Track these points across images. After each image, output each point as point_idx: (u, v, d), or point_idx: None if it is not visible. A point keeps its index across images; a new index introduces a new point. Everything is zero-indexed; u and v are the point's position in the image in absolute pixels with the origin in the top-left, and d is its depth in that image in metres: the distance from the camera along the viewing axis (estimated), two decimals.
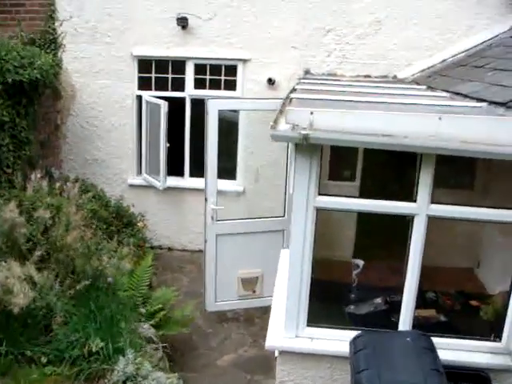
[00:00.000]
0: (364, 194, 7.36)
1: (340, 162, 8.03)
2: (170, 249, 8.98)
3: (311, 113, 4.12)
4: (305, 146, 4.20)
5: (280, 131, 4.14)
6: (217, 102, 6.54)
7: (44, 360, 4.78)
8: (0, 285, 4.62)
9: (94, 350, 4.70)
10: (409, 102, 4.96)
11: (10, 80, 7.00)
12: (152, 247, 8.58)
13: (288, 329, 4.65)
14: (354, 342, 4.25)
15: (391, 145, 4.08)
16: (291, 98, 5.26)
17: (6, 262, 5.13)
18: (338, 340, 4.57)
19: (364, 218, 6.38)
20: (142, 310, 5.42)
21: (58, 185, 5.95)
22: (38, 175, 5.95)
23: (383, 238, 6.08)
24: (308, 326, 4.67)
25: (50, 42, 8.58)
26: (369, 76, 8.05)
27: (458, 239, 6.36)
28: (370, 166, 7.80)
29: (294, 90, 6.31)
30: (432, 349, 4.10)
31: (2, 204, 5.61)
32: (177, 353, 6.30)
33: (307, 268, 4.51)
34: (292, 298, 4.58)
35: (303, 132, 4.04)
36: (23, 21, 8.45)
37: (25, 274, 4.85)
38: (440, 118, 4.00)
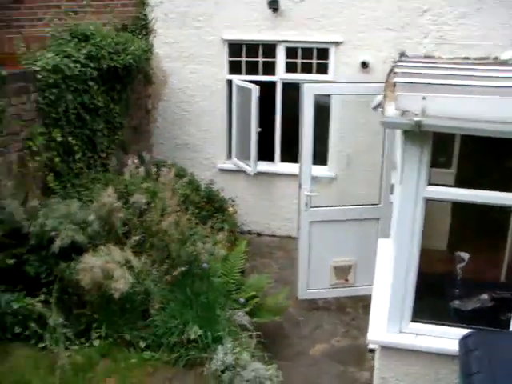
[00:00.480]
0: (460, 182, 7.01)
1: (434, 147, 7.71)
2: (258, 234, 8.92)
3: (423, 98, 3.90)
4: (416, 134, 3.98)
5: (391, 118, 3.93)
6: (312, 87, 6.36)
7: (142, 345, 4.84)
8: (101, 269, 4.67)
9: (192, 337, 4.67)
10: None
11: (104, 66, 7.10)
12: (242, 232, 8.58)
13: (391, 324, 4.46)
14: (464, 341, 4.01)
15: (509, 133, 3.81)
16: (395, 82, 5.02)
17: (104, 246, 5.20)
18: (443, 337, 4.35)
19: (465, 206, 6.11)
20: (241, 300, 5.33)
21: (154, 170, 5.95)
22: (135, 160, 5.96)
23: (487, 229, 5.76)
24: (412, 321, 4.47)
25: (142, 28, 8.63)
26: (467, 58, 7.62)
27: None
28: (469, 153, 7.43)
29: (393, 73, 6.03)
30: None
31: (99, 189, 5.66)
32: (269, 341, 6.24)
33: (415, 262, 4.29)
34: (397, 293, 4.38)
35: (416, 119, 3.82)
36: (115, 7, 8.53)
37: (124, 259, 4.87)
38: None
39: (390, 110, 4.04)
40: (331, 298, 7.10)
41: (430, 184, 4.19)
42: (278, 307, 6.25)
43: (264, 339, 6.03)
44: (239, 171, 8.62)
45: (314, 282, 6.92)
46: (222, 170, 8.80)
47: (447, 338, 4.28)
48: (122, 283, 4.61)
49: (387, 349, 4.53)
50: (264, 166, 8.53)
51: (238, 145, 8.61)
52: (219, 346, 4.51)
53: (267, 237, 8.88)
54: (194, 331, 4.69)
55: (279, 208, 8.58)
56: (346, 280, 6.96)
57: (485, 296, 5.00)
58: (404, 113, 3.95)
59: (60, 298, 5.19)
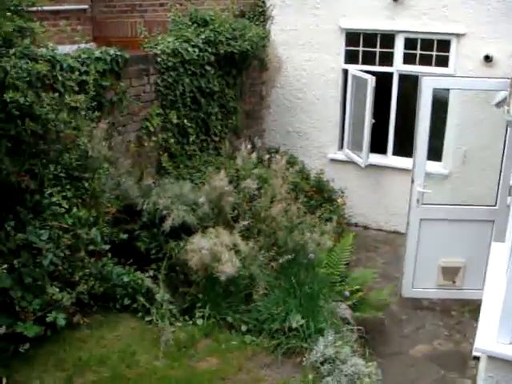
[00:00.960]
0: None
1: None
2: (365, 227, 8.79)
3: None
4: None
5: None
6: (431, 80, 6.14)
7: (244, 328, 4.90)
8: (209, 251, 4.76)
9: (293, 326, 4.68)
10: None
11: (221, 51, 7.22)
12: (348, 224, 8.49)
13: (502, 333, 4.24)
14: None
15: None
16: None
17: (213, 228, 5.30)
18: None
19: None
20: (347, 293, 5.28)
21: (266, 156, 6.00)
22: (249, 146, 6.03)
23: None
24: None
25: (259, 15, 8.67)
26: None
27: None
28: None
29: None
30: None
31: (211, 172, 5.78)
32: (368, 336, 6.15)
33: None
34: (510, 302, 4.16)
35: None
36: None
37: (232, 243, 4.95)
38: None
39: None
40: (436, 299, 6.87)
41: None
42: (381, 303, 6.16)
43: (365, 335, 5.99)
44: (350, 162, 8.50)
45: (420, 280, 6.73)
46: (333, 160, 8.72)
47: None
48: (229, 266, 4.68)
49: (495, 359, 4.32)
50: (376, 159, 8.37)
51: (350, 135, 8.49)
52: (320, 338, 4.49)
53: (374, 230, 8.72)
54: (296, 320, 4.69)
55: (388, 202, 8.39)
56: (454, 282, 6.71)
57: None
58: None
59: (167, 276, 5.37)
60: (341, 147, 8.72)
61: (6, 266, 4.19)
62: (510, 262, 4.15)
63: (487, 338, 4.35)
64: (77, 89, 5.20)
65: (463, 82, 6.45)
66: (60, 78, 5.03)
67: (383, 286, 6.72)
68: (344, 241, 6.33)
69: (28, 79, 4.51)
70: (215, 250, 4.82)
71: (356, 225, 8.75)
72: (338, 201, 7.78)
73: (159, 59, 6.49)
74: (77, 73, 5.19)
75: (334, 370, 4.26)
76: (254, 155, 5.87)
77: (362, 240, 8.32)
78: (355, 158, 8.31)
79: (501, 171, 6.35)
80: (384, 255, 7.99)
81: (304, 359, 4.47)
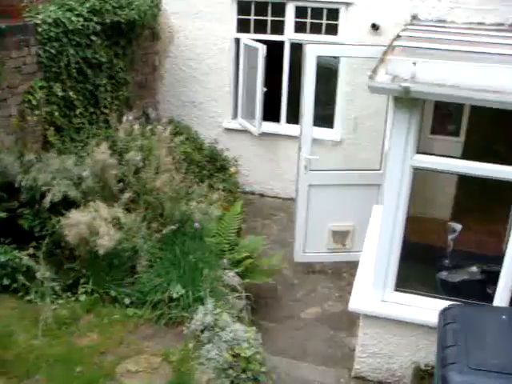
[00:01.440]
0: (468, 151, 6.87)
1: (444, 115, 7.55)
2: (261, 195, 8.89)
3: (414, 63, 3.79)
4: (405, 100, 3.88)
5: (378, 82, 3.84)
6: (315, 48, 6.22)
7: (127, 301, 4.87)
8: (87, 225, 4.68)
9: (174, 296, 4.70)
10: None
11: (108, 21, 7.01)
12: (244, 193, 8.55)
13: (374, 292, 4.44)
14: (443, 313, 3.98)
15: (501, 103, 3.68)
16: (394, 46, 4.89)
17: (94, 202, 5.20)
18: (426, 308, 4.33)
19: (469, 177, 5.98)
20: (225, 262, 5.32)
21: (149, 127, 5.91)
22: (130, 117, 5.92)
23: (487, 200, 5.66)
24: (396, 290, 4.45)
25: None
26: (482, 23, 7.38)
27: None
28: (478, 122, 7.26)
29: (398, 37, 5.88)
30: None
31: (93, 145, 5.65)
32: (261, 302, 6.27)
33: (399, 230, 4.25)
34: (381, 261, 4.35)
35: (404, 84, 3.72)
36: None
37: (112, 216, 4.88)
38: None
39: (380, 75, 3.95)
40: (329, 263, 7.08)
41: (419, 152, 4.11)
42: (272, 269, 6.25)
43: (256, 300, 6.09)
44: (245, 131, 8.54)
45: (311, 245, 6.90)
46: (228, 130, 8.72)
47: (430, 309, 4.26)
48: (106, 240, 4.62)
49: (369, 317, 4.53)
50: (269, 127, 8.44)
51: (244, 104, 8.51)
52: (200, 307, 4.52)
53: (270, 198, 8.84)
54: (177, 290, 4.71)
55: (283, 169, 8.51)
56: (344, 245, 6.93)
57: (474, 268, 4.95)
58: (394, 78, 3.85)
59: (52, 253, 5.24)
60: (235, 116, 8.73)
61: None
62: (380, 223, 4.31)
63: (361, 297, 4.54)
64: None
65: (345, 50, 6.59)
66: None
67: (277, 252, 6.85)
68: (233, 209, 6.37)
69: None
70: (94, 223, 4.73)
71: (253, 193, 8.84)
72: (231, 170, 7.80)
73: (40, 29, 6.22)
74: None
75: (214, 337, 4.31)
76: (136, 126, 5.76)
77: (258, 208, 8.44)
78: (249, 126, 8.35)
79: (384, 137, 6.56)
80: (280, 222, 8.12)
81: (185, 328, 4.50)
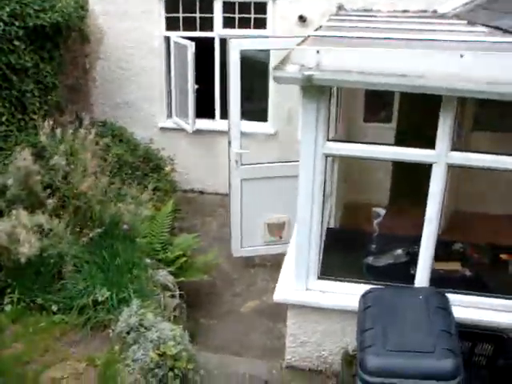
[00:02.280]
0: (400, 136, 6.98)
1: (375, 102, 7.65)
2: (201, 192, 8.86)
3: (317, 51, 3.81)
4: (311, 89, 3.91)
5: (282, 72, 3.85)
6: (239, 42, 6.24)
7: (54, 308, 4.82)
8: (6, 234, 4.61)
9: (99, 299, 4.66)
10: (433, 38, 4.53)
11: (30, 24, 6.86)
12: (184, 191, 8.53)
13: (298, 281, 4.47)
14: (363, 298, 4.04)
15: (405, 86, 3.76)
16: (308, 36, 4.91)
17: (25, 209, 5.12)
18: (350, 294, 4.35)
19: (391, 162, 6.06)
20: (147, 260, 5.29)
21: (71, 131, 5.83)
22: (51, 122, 5.83)
23: (411, 185, 5.74)
24: (319, 278, 4.49)
25: None
26: (407, 11, 7.49)
27: (497, 183, 5.98)
28: (407, 107, 7.38)
29: (320, 27, 5.92)
30: (446, 308, 3.85)
31: (17, 153, 5.55)
32: (200, 299, 6.27)
33: (317, 218, 4.28)
34: (301, 249, 4.38)
35: (306, 73, 3.74)
36: None
37: (34, 223, 4.81)
38: (462, 56, 3.62)
39: (288, 65, 3.96)
40: (268, 255, 7.10)
41: (329, 140, 4.15)
42: (208, 265, 6.26)
43: (196, 298, 6.10)
44: (180, 130, 8.49)
45: (248, 239, 6.91)
46: (163, 129, 8.67)
47: (354, 294, 4.29)
48: (26, 247, 4.56)
49: (295, 307, 4.56)
50: (205, 124, 8.42)
51: (177, 103, 8.46)
52: (125, 308, 4.50)
53: (210, 195, 8.80)
54: (102, 293, 4.67)
55: (220, 165, 8.36)
56: (281, 237, 6.96)
57: (399, 251, 5.02)
58: (301, 67, 3.87)
59: None
60: (170, 115, 8.68)
61: None
62: (298, 211, 4.33)
63: (286, 287, 4.57)
64: None
65: (269, 43, 6.60)
66: None
67: (214, 248, 6.84)
68: (164, 208, 6.34)
69: None
70: (15, 232, 4.65)
71: (192, 190, 8.81)
72: (166, 169, 7.75)
73: None
74: None
75: (140, 337, 4.29)
76: (58, 130, 5.68)
77: (198, 205, 8.43)
78: (183, 124, 8.31)
79: None
80: (220, 218, 8.10)
81: (111, 331, 4.47)
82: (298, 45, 4.61)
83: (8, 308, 4.80)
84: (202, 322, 5.93)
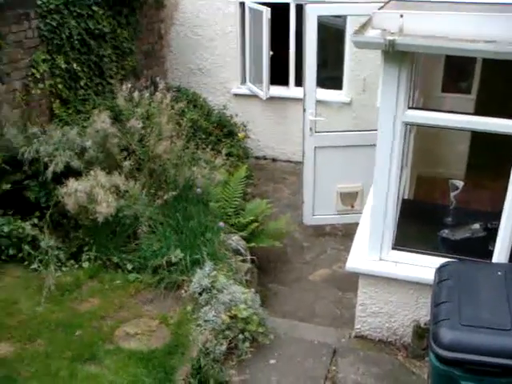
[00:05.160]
0: (479, 109, 6.71)
1: (455, 71, 7.37)
2: (273, 159, 8.86)
3: (401, 16, 3.69)
4: (393, 54, 3.78)
5: (363, 37, 3.75)
6: (316, 7, 6.11)
7: (129, 267, 4.95)
8: (85, 193, 4.74)
9: (173, 260, 4.75)
10: None
11: None
12: (256, 158, 8.55)
13: (371, 251, 4.41)
14: (439, 270, 3.94)
15: (493, 53, 3.57)
16: (389, 1, 4.76)
17: (101, 171, 5.25)
18: (426, 267, 4.27)
19: (474, 133, 5.83)
20: (221, 224, 5.32)
21: (147, 95, 5.90)
22: (129, 84, 5.91)
23: (493, 157, 5.54)
24: (394, 249, 4.41)
25: None
26: None
27: None
28: (490, 77, 7.07)
29: None
30: None
31: (95, 115, 5.67)
32: (270, 265, 6.30)
33: (394, 187, 4.19)
34: (376, 219, 4.31)
35: (388, 38, 3.63)
36: None
37: (111, 184, 4.92)
38: None
39: (369, 30, 3.86)
40: (339, 225, 7.05)
41: (410, 108, 4.03)
42: (279, 232, 6.26)
43: (266, 264, 6.13)
44: (254, 96, 8.47)
45: (320, 207, 6.86)
46: (237, 95, 8.67)
47: (428, 267, 4.21)
48: (104, 207, 4.68)
49: (367, 276, 4.51)
50: (278, 91, 8.38)
51: (251, 69, 8.44)
52: (198, 270, 4.57)
53: (282, 162, 8.81)
54: (175, 254, 4.75)
55: (293, 133, 8.42)
56: (353, 206, 6.88)
57: (477, 226, 4.86)
58: (382, 32, 3.76)
59: (59, 222, 5.34)
60: (243, 81, 8.67)
61: None
62: (374, 180, 4.26)
63: (359, 257, 4.52)
64: None
65: (347, 8, 6.40)
66: None
67: (285, 215, 6.83)
68: (237, 174, 6.36)
69: None
70: (93, 191, 4.79)
71: (264, 158, 8.83)
72: (239, 135, 7.76)
73: (40, 2, 6.22)
74: None
75: (212, 299, 4.36)
76: (135, 94, 5.76)
77: (270, 172, 8.44)
78: (257, 91, 8.29)
79: None
80: (291, 186, 8.09)
81: (183, 291, 4.56)
82: (380, 9, 4.49)
83: (85, 265, 4.97)
84: (270, 287, 5.96)
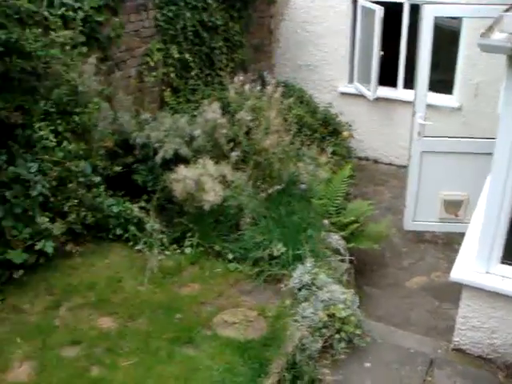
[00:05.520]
0: None
1: None
2: (375, 161, 8.75)
3: None
4: None
5: (491, 41, 3.62)
6: (433, 8, 5.93)
7: (230, 256, 5.00)
8: (194, 181, 4.85)
9: (275, 254, 4.78)
10: None
11: None
12: (358, 158, 8.47)
13: (478, 263, 4.25)
14: None
15: None
16: None
17: (200, 159, 5.36)
18: None
19: None
20: (325, 222, 5.31)
21: (258, 88, 5.96)
22: (241, 77, 6.00)
23: None
24: (502, 263, 4.22)
25: None
26: None
27: None
28: None
29: None
30: None
31: (205, 105, 5.79)
32: (366, 267, 6.22)
33: (509, 199, 4.01)
34: (487, 231, 4.14)
35: None
36: None
37: (219, 173, 5.02)
38: None
39: (496, 33, 3.72)
40: (440, 233, 6.86)
41: None
42: (378, 235, 6.16)
43: (362, 266, 6.05)
44: (360, 95, 8.38)
45: (422, 213, 6.68)
46: (343, 94, 8.62)
47: None
48: (211, 195, 4.77)
49: (471, 289, 4.35)
50: (386, 92, 8.24)
51: (360, 68, 8.35)
52: (299, 265, 4.58)
53: (384, 165, 8.67)
54: (278, 248, 4.78)
55: (398, 136, 8.25)
56: (457, 215, 6.66)
57: None
58: (510, 36, 3.61)
59: (163, 207, 5.51)
60: (351, 80, 8.59)
61: None
62: (488, 192, 4.11)
63: (464, 268, 4.37)
64: (66, 25, 5.22)
65: (466, 9, 6.18)
66: (48, 13, 5.06)
67: (385, 219, 6.73)
68: (341, 172, 6.31)
69: (17, 16, 4.60)
70: (201, 179, 4.90)
71: (366, 159, 8.73)
72: (344, 134, 7.70)
73: None
74: (63, 9, 5.19)
75: (311, 295, 4.35)
76: (247, 87, 5.83)
77: (371, 174, 8.33)
78: (364, 91, 8.19)
79: None
80: (392, 189, 7.95)
81: (283, 285, 4.58)
82: (507, 11, 4.31)
83: (188, 250, 5.07)
84: (365, 289, 5.86)
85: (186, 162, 5.41)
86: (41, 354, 3.91)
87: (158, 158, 5.35)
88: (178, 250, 5.09)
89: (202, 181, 4.87)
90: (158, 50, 6.50)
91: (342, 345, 4.27)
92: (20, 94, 4.79)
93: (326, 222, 5.27)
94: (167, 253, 5.02)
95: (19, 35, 4.55)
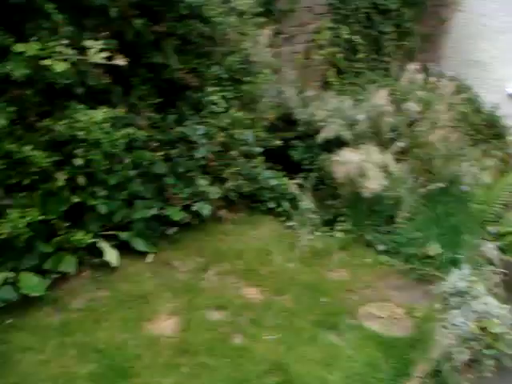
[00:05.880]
0: None
1: None
2: None
3: None
4: None
5: None
6: None
7: (381, 248, 4.87)
8: (356, 166, 4.74)
9: (430, 253, 4.58)
10: None
11: None
12: None
13: None
14: None
15: None
16: None
17: (364, 145, 5.24)
18: None
19: None
20: (493, 230, 5.01)
21: (431, 80, 5.71)
22: (413, 67, 5.77)
23: None
24: None
25: None
26: None
27: None
28: None
29: None
30: None
31: (373, 90, 5.65)
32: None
33: None
34: None
35: None
36: None
37: (382, 162, 4.88)
38: None
39: None
40: None
41: None
42: None
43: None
44: None
45: None
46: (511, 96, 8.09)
47: None
48: (373, 184, 4.65)
49: None
50: None
51: None
52: (455, 270, 4.35)
53: None
54: (434, 248, 4.57)
55: None
56: None
57: None
58: None
59: (316, 187, 5.45)
60: None
61: (163, 153, 4.54)
62: None
63: None
64: None
65: None
66: None
67: None
68: (505, 179, 5.92)
69: None
70: (363, 166, 4.78)
71: None
72: (510, 138, 7.23)
73: None
74: None
75: (463, 304, 4.12)
76: (419, 77, 5.60)
77: None
78: None
79: None
80: None
81: (433, 287, 4.37)
82: None
83: (338, 235, 4.99)
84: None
85: (346, 146, 5.32)
86: (187, 312, 3.99)
87: (320, 138, 5.29)
88: (329, 233, 5.02)
89: (366, 167, 4.74)
90: (328, 28, 6.41)
91: (491, 362, 4.02)
92: (195, 57, 4.90)
93: (491, 228, 4.96)
94: (317, 234, 4.96)
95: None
